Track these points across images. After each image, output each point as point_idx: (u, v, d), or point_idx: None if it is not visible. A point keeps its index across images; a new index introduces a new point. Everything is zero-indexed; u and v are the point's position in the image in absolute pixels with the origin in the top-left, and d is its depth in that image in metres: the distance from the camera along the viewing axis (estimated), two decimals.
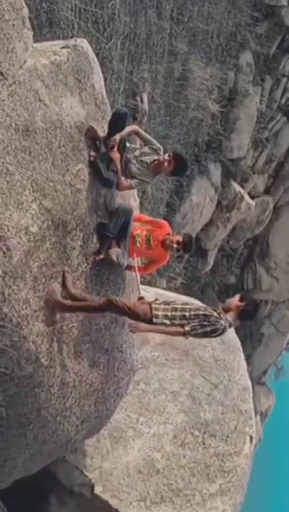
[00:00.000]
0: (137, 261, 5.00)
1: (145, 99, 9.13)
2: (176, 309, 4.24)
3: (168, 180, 9.98)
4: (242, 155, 12.60)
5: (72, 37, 6.43)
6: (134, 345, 5.57)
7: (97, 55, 4.88)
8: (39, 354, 4.13)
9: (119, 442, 6.09)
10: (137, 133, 5.00)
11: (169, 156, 4.83)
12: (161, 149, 4.95)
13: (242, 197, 12.36)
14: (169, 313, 4.21)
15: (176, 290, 10.39)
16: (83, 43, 4.57)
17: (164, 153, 4.92)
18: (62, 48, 4.42)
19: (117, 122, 4.62)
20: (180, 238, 4.94)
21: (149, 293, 7.35)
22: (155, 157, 4.87)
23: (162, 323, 4.18)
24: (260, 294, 15.88)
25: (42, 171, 3.99)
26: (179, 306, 4.27)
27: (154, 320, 4.18)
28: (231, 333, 7.20)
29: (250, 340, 16.34)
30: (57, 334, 4.34)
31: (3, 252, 3.67)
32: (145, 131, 5.90)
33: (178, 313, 4.22)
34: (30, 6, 5.11)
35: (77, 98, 4.43)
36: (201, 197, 11.36)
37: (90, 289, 4.69)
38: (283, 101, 13.62)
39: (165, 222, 5.18)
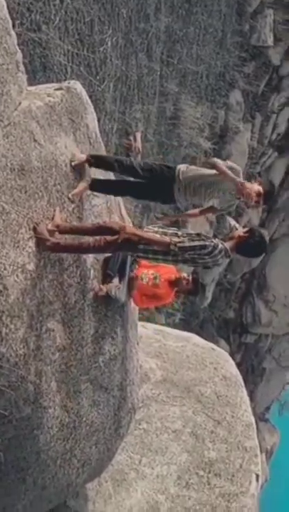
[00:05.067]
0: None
1: (138, 138, 9.32)
2: (168, 230, 4.09)
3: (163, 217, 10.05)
4: None
5: (65, 80, 6.61)
6: (135, 383, 5.48)
7: (90, 97, 5.01)
8: (38, 395, 4.05)
9: (121, 485, 5.91)
10: None
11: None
12: None
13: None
14: (160, 230, 4.05)
15: (175, 326, 10.32)
16: (76, 85, 4.69)
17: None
18: (56, 89, 4.52)
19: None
20: (189, 278, 5.00)
21: (148, 329, 7.30)
22: None
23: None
24: (260, 328, 15.78)
25: (38, 209, 4.02)
26: (172, 230, 4.12)
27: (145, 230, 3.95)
28: (233, 368, 7.11)
29: (252, 376, 16.13)
30: (55, 373, 4.27)
31: (0, 291, 3.65)
32: None
33: (170, 231, 4.05)
34: (24, 51, 5.27)
35: (71, 137, 4.51)
36: (198, 231, 11.44)
37: (87, 326, 4.65)
38: (274, 137, 13.93)
39: (171, 266, 5.18)
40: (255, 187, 4.49)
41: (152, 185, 4.52)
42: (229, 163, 4.61)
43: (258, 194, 4.46)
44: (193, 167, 4.63)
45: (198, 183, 4.49)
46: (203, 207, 4.81)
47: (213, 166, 4.48)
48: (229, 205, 4.69)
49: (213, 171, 4.52)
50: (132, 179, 4.65)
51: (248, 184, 4.47)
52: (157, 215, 4.96)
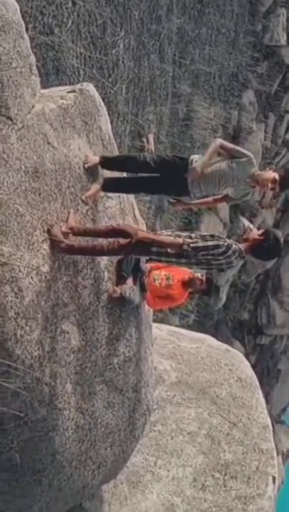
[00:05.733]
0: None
1: (151, 140, 9.32)
2: (182, 233, 4.09)
3: (176, 218, 10.05)
4: None
5: (78, 83, 6.63)
6: (150, 385, 5.47)
7: (103, 99, 5.02)
8: (53, 396, 4.07)
9: (137, 487, 5.90)
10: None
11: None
12: None
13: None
14: (173, 234, 4.05)
15: (189, 327, 10.28)
16: (89, 87, 4.70)
17: None
18: (69, 92, 4.54)
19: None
20: (202, 277, 4.96)
21: (162, 331, 7.28)
22: None
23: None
24: (275, 329, 15.66)
25: (52, 211, 4.04)
26: (185, 233, 4.11)
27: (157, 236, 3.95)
28: (248, 370, 7.06)
29: (267, 377, 16.00)
30: (70, 375, 4.28)
31: (15, 293, 3.67)
32: None
33: (184, 234, 4.05)
34: (36, 54, 5.30)
35: (84, 139, 4.52)
36: (210, 233, 11.39)
37: (101, 328, 4.65)
38: (288, 136, 13.84)
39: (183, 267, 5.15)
40: (271, 174, 4.42)
41: (165, 178, 4.50)
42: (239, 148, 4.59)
43: (274, 181, 4.38)
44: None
45: (211, 172, 4.46)
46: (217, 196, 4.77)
47: (221, 146, 4.43)
48: (244, 194, 4.62)
49: (226, 161, 4.45)
50: (144, 174, 4.64)
51: (264, 173, 4.43)
52: (170, 200, 4.83)
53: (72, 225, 4.11)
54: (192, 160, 4.48)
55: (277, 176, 4.38)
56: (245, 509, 5.94)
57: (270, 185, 4.39)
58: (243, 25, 11.79)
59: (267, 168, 4.61)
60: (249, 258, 4.19)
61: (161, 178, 4.53)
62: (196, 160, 4.47)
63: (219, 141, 4.56)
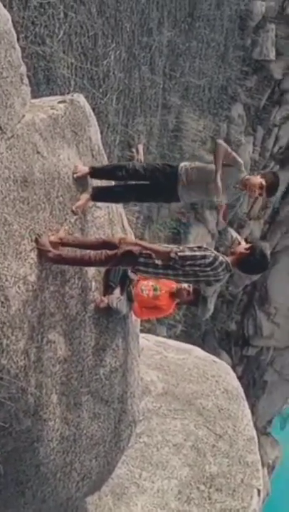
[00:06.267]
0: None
1: (141, 150, 9.37)
2: (168, 245, 4.13)
3: (165, 228, 10.07)
4: None
5: (69, 93, 6.66)
6: (136, 396, 5.45)
7: (93, 109, 5.04)
8: (38, 407, 4.03)
9: (121, 499, 5.85)
10: None
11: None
12: None
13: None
14: (163, 245, 4.09)
15: (176, 337, 10.28)
16: (80, 98, 4.72)
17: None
18: (60, 102, 4.56)
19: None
20: (190, 288, 4.95)
21: (150, 341, 7.27)
22: None
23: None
24: (262, 341, 15.72)
25: (40, 220, 4.04)
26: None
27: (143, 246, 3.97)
28: (234, 381, 7.07)
29: (254, 389, 16.04)
30: (56, 385, 4.25)
31: (1, 302, 3.65)
32: None
33: (170, 246, 4.09)
34: (28, 64, 5.32)
35: (74, 150, 4.53)
36: (199, 244, 11.43)
37: (88, 338, 4.63)
38: (275, 149, 14.01)
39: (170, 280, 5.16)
40: (258, 179, 4.46)
41: (155, 185, 4.52)
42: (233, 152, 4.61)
43: (260, 187, 4.43)
44: (196, 163, 4.62)
45: (201, 178, 4.47)
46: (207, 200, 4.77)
47: (215, 148, 4.45)
48: (236, 199, 4.67)
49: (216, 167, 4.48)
50: (133, 182, 4.66)
51: (252, 178, 4.47)
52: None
53: (62, 235, 4.12)
54: (182, 167, 4.52)
55: (263, 182, 4.44)
56: None
57: (257, 190, 4.44)
58: (232, 40, 11.95)
59: (255, 173, 4.66)
60: (236, 271, 4.22)
61: (151, 185, 4.55)
62: (187, 167, 4.52)
63: (225, 146, 4.51)
